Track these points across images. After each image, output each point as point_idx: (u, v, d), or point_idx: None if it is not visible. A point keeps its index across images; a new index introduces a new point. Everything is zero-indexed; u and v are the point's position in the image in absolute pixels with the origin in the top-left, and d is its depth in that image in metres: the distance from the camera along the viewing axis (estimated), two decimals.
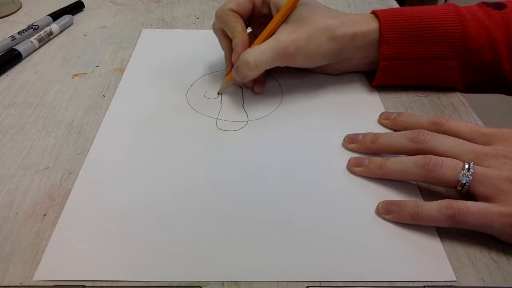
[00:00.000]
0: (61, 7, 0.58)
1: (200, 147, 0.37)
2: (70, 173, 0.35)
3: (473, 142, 0.33)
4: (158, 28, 0.56)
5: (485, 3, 0.43)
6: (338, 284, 0.27)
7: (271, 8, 0.42)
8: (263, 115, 0.41)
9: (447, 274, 0.28)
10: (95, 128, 0.39)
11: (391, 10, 0.43)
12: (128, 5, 0.62)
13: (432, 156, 0.32)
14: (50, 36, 0.52)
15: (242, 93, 0.44)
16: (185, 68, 0.48)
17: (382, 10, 0.43)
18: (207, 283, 0.27)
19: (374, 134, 0.37)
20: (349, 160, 0.36)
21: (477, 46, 0.41)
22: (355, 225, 0.31)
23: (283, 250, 0.29)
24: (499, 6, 0.42)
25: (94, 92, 0.44)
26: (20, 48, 0.48)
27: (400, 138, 0.35)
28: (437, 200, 0.30)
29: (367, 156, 0.36)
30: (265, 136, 0.39)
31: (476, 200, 0.30)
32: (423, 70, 0.43)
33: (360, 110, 0.42)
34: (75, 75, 0.47)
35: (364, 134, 0.37)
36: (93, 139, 0.38)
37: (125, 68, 0.47)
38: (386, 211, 0.32)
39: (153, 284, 0.27)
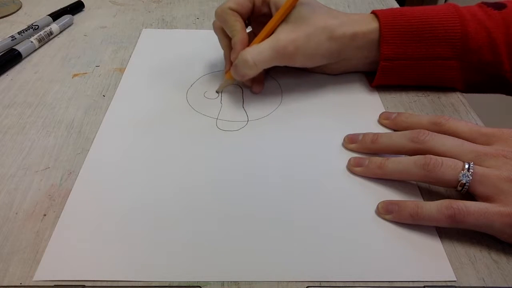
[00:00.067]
0: (61, 7, 0.58)
1: (200, 147, 0.37)
2: (70, 173, 0.35)
3: (473, 142, 0.33)
4: (158, 28, 0.56)
5: (485, 3, 0.43)
6: (338, 284, 0.27)
7: (271, 8, 0.42)
8: (263, 115, 0.41)
9: (447, 274, 0.28)
10: (95, 128, 0.39)
11: (391, 10, 0.43)
12: (128, 5, 0.62)
13: (432, 156, 0.32)
14: (50, 36, 0.52)
15: (242, 93, 0.44)
16: (185, 68, 0.48)
17: (382, 10, 0.43)
18: (207, 283, 0.27)
19: (374, 134, 0.37)
20: (349, 160, 0.36)
21: (477, 46, 0.41)
22: (355, 225, 0.31)
23: (283, 250, 0.29)
24: (499, 6, 0.42)
25: (94, 92, 0.44)
26: (20, 48, 0.48)
27: (400, 138, 0.35)
28: (437, 200, 0.30)
29: (367, 156, 0.36)
30: (265, 136, 0.39)
31: (476, 200, 0.30)
32: (423, 70, 0.43)
33: (360, 110, 0.42)
34: (75, 75, 0.47)
35: (364, 134, 0.37)
36: (93, 139, 0.38)
37: (125, 68, 0.47)
38: (386, 211, 0.32)
39: (153, 284, 0.27)
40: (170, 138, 0.38)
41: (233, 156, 0.36)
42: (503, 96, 0.46)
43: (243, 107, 0.42)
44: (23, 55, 0.49)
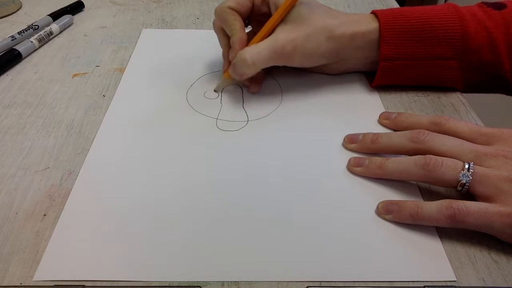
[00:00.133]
0: (61, 7, 0.58)
1: (200, 147, 0.37)
2: (70, 173, 0.35)
3: (473, 142, 0.33)
4: (158, 28, 0.56)
5: (485, 3, 0.43)
6: (338, 284, 0.27)
7: (270, 7, 0.42)
8: (263, 115, 0.41)
9: (447, 274, 0.28)
10: (95, 128, 0.39)
11: (391, 10, 0.43)
12: (128, 5, 0.62)
13: (432, 156, 0.32)
14: (50, 36, 0.52)
15: (242, 93, 0.44)
16: (185, 68, 0.48)
17: (382, 10, 0.43)
18: (207, 283, 0.27)
19: (374, 134, 0.37)
20: (349, 160, 0.36)
21: (477, 46, 0.41)
22: (355, 225, 0.31)
23: (283, 250, 0.29)
24: (499, 6, 0.42)
25: (94, 92, 0.44)
26: (20, 48, 0.48)
27: (400, 138, 0.35)
28: (437, 200, 0.30)
29: (367, 156, 0.36)
30: (265, 136, 0.39)
31: (476, 200, 0.30)
32: (423, 70, 0.43)
33: (360, 110, 0.42)
34: (75, 75, 0.47)
35: (364, 134, 0.37)
36: (93, 139, 0.38)
37: (125, 68, 0.47)
38: (386, 211, 0.32)
39: (153, 284, 0.27)
40: (170, 138, 0.38)
41: (233, 156, 0.36)
42: (503, 96, 0.46)
43: (243, 107, 0.42)
44: (23, 55, 0.49)
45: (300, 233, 0.30)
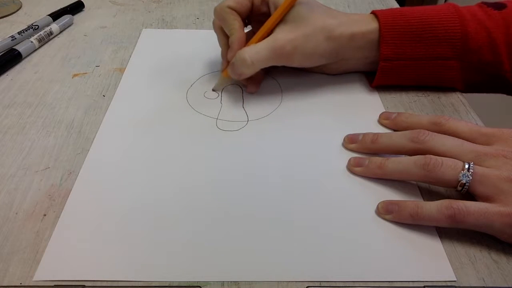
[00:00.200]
0: (61, 7, 0.58)
1: (200, 147, 0.37)
2: (70, 173, 0.35)
3: (473, 142, 0.33)
4: (158, 28, 0.56)
5: (485, 3, 0.43)
6: (338, 284, 0.27)
7: (270, 7, 0.42)
8: (263, 115, 0.41)
9: (447, 274, 0.28)
10: (95, 128, 0.39)
11: (391, 10, 0.43)
12: (128, 5, 0.62)
13: (432, 156, 0.32)
14: (50, 36, 0.52)
15: (242, 93, 0.44)
16: (185, 68, 0.48)
17: (381, 10, 0.43)
18: (207, 283, 0.27)
19: (374, 134, 0.37)
20: (349, 160, 0.36)
21: (477, 46, 0.41)
22: (355, 225, 0.31)
23: (283, 250, 0.29)
24: (499, 6, 0.42)
25: (94, 92, 0.44)
26: (20, 48, 0.48)
27: (400, 138, 0.35)
28: (437, 200, 0.30)
29: (367, 156, 0.36)
30: (265, 136, 0.39)
31: (476, 200, 0.30)
32: (423, 70, 0.43)
33: (360, 110, 0.42)
34: (75, 75, 0.47)
35: (364, 134, 0.37)
36: (93, 139, 0.38)
37: (125, 68, 0.47)
38: (386, 211, 0.32)
39: (153, 284, 0.27)
40: (170, 138, 0.38)
41: (233, 156, 0.36)
42: (503, 96, 0.46)
43: (243, 107, 0.42)
44: (23, 55, 0.49)
45: (300, 233, 0.30)
